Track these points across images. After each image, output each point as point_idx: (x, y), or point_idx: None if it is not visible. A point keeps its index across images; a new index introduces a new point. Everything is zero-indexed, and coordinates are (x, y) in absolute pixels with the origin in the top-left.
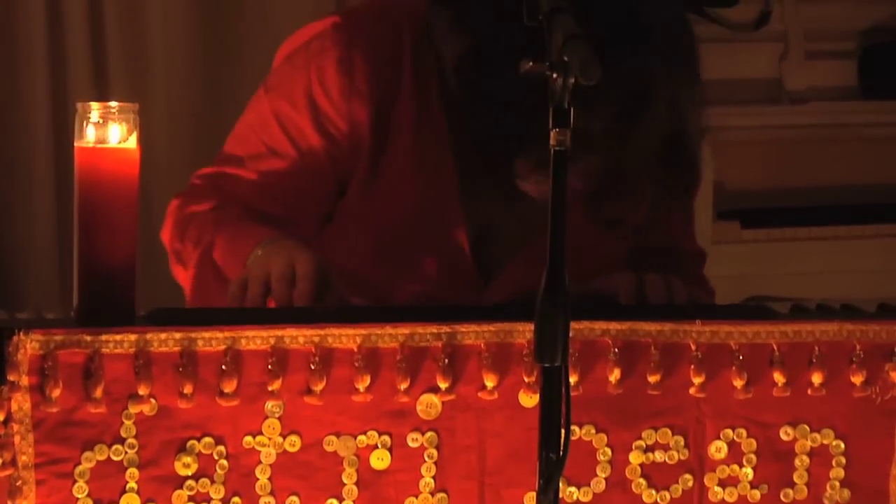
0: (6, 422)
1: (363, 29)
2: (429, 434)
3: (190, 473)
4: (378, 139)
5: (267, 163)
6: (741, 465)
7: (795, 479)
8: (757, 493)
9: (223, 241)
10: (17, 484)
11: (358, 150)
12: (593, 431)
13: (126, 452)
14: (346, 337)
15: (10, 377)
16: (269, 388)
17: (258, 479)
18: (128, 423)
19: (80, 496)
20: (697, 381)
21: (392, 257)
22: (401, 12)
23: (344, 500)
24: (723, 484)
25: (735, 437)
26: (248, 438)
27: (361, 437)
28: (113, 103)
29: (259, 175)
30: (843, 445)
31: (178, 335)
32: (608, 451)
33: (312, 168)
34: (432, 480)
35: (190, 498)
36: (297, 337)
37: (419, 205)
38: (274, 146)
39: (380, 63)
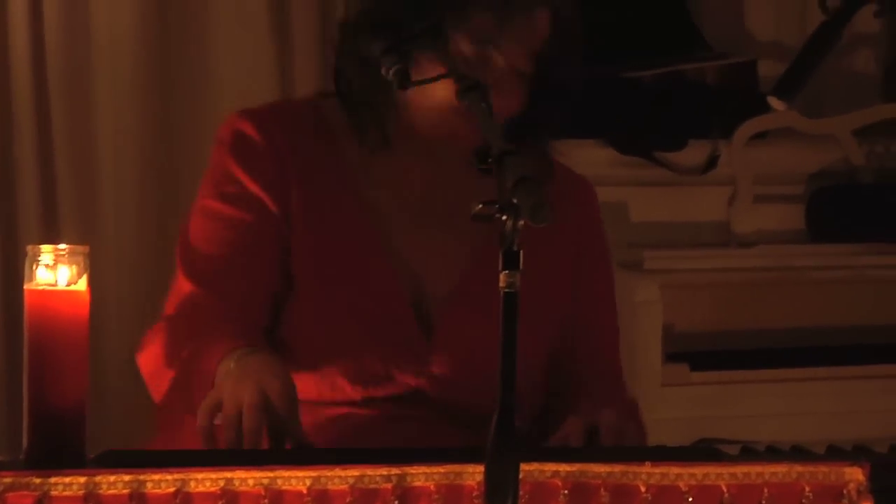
0: None
1: (266, 109)
2: None
3: None
4: (305, 195)
5: (232, 239)
6: None
7: None
8: None
9: (203, 350)
10: None
11: (293, 202)
12: None
13: None
14: (295, 479)
15: None
16: None
17: None
18: None
19: None
20: None
21: (336, 335)
22: (300, 105)
23: None
24: None
25: None
26: None
27: None
28: (63, 246)
29: (231, 252)
30: None
31: (127, 477)
32: None
33: (274, 227)
34: None
35: None
36: (247, 479)
37: (350, 261)
38: (231, 223)
39: (290, 129)
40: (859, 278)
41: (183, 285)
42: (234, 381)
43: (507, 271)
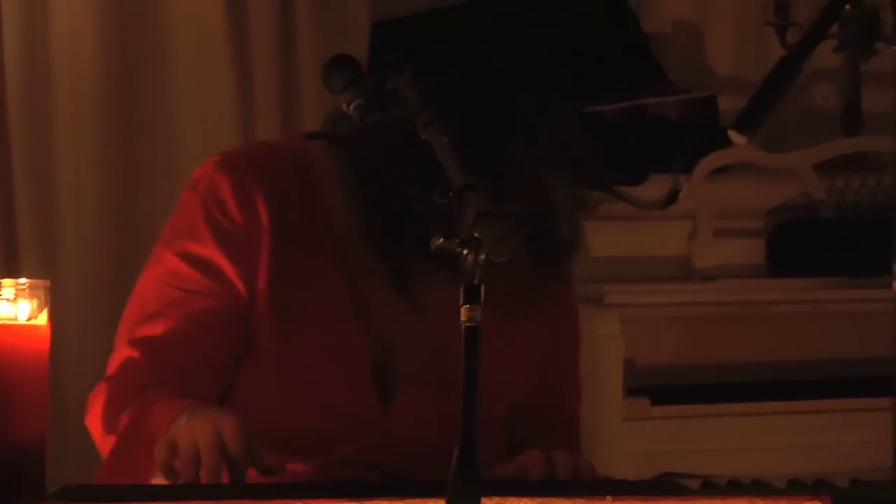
0: None
1: (248, 160)
2: None
3: None
4: (277, 266)
5: (188, 306)
6: None
7: None
8: None
9: (149, 410)
10: None
11: (261, 274)
12: None
13: None
14: None
15: None
16: None
17: None
18: None
19: None
20: None
21: (299, 390)
22: (284, 152)
23: None
24: None
25: None
26: None
27: None
28: (23, 280)
29: (184, 319)
30: None
31: None
32: None
33: (234, 298)
34: None
35: None
36: None
37: (317, 327)
38: (189, 287)
39: (270, 187)
40: (820, 313)
41: (124, 349)
42: (187, 424)
43: (467, 305)
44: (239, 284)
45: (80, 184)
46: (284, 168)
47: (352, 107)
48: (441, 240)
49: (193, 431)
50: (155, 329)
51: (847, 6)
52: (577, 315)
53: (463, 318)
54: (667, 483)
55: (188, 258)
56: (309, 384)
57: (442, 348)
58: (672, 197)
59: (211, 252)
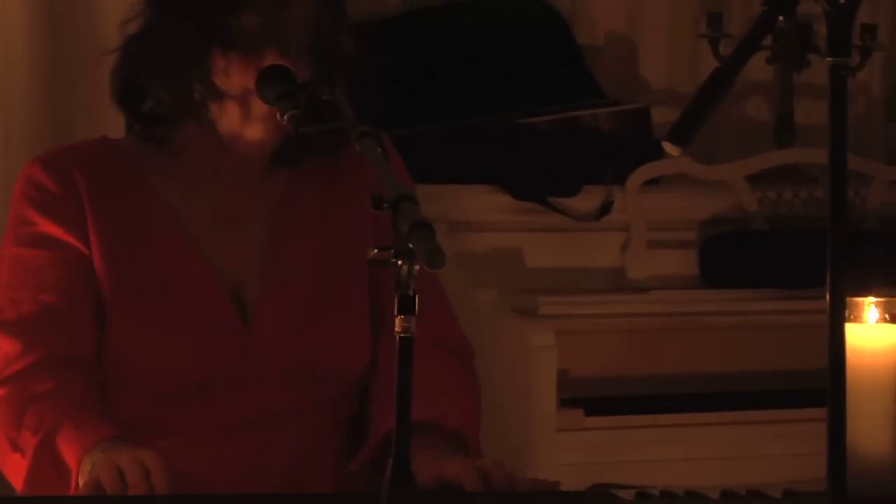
0: None
1: (59, 150)
2: None
3: None
4: (101, 220)
5: (39, 281)
6: None
7: None
8: None
9: (65, 430)
10: None
11: (90, 231)
12: None
13: None
14: None
15: None
16: None
17: None
18: None
19: None
20: None
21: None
22: (98, 142)
23: None
24: None
25: None
26: None
27: None
28: None
29: (41, 294)
30: None
31: None
32: None
33: (79, 261)
34: None
35: None
36: None
37: (159, 271)
38: (35, 265)
39: (83, 160)
40: (753, 324)
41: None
42: (105, 457)
43: (402, 316)
44: (78, 244)
45: (7, 195)
46: (94, 149)
47: (286, 117)
48: (375, 251)
49: (113, 459)
50: (18, 311)
51: (780, 18)
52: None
53: (397, 328)
54: (601, 494)
55: (23, 241)
56: (170, 325)
57: (277, 263)
58: (605, 208)
59: (42, 226)
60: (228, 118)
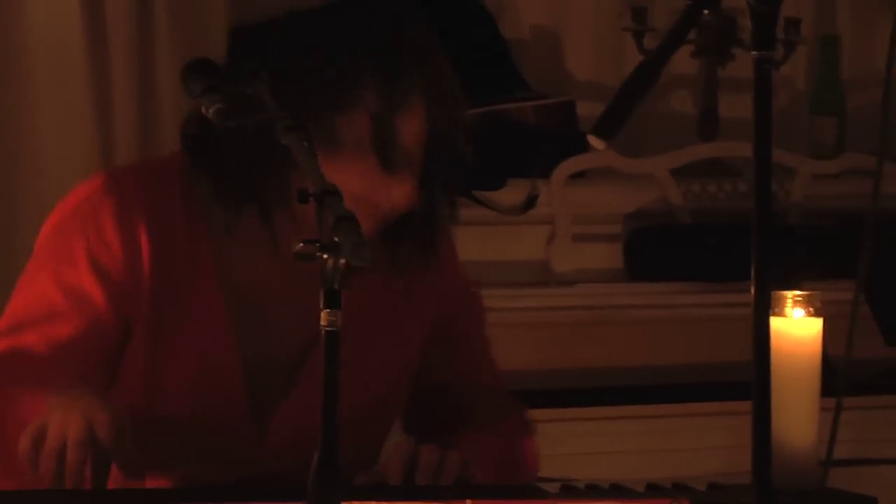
0: None
1: (133, 184)
2: None
3: None
4: (156, 296)
5: (51, 328)
6: None
7: None
8: None
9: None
10: None
11: (138, 307)
12: None
13: None
14: None
15: None
16: None
17: None
18: None
19: None
20: None
21: (168, 419)
22: (170, 174)
23: None
24: None
25: None
26: None
27: None
28: None
29: (45, 338)
30: None
31: None
32: None
33: (101, 331)
34: None
35: None
36: None
37: (189, 354)
38: (57, 311)
39: (155, 215)
40: (677, 317)
41: None
42: (62, 413)
43: (328, 310)
44: (109, 315)
45: None
46: (170, 191)
47: (211, 111)
48: (301, 244)
49: (65, 423)
50: (12, 342)
51: (704, 12)
52: (471, 290)
53: (323, 322)
54: (526, 487)
55: (61, 284)
56: (182, 407)
57: (313, 355)
58: (530, 202)
59: (84, 279)
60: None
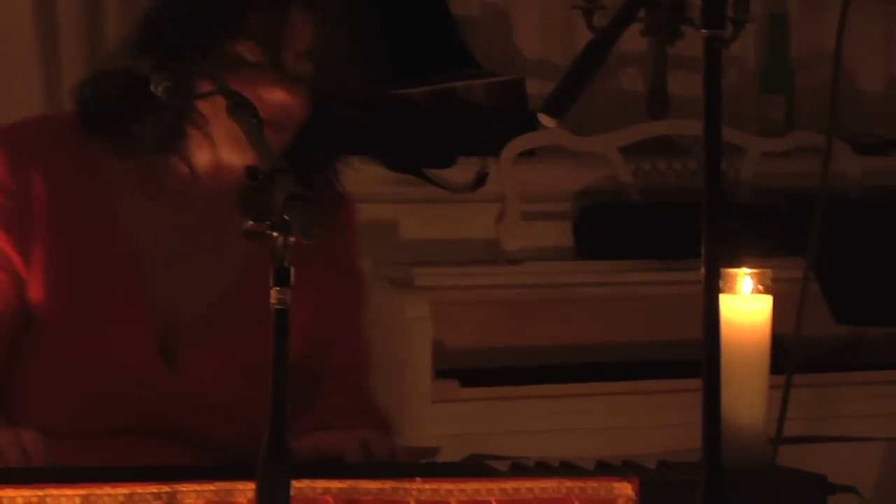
0: None
1: (24, 134)
2: None
3: None
4: (52, 235)
5: None
6: None
7: None
8: None
9: None
10: None
11: (34, 240)
12: None
13: None
14: (65, 497)
15: None
16: None
17: None
18: None
19: None
20: None
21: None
22: (64, 124)
23: None
24: None
25: None
26: None
27: None
28: None
29: None
30: None
31: None
32: None
33: (7, 271)
34: None
35: None
36: (16, 498)
37: (94, 293)
38: None
39: (49, 162)
40: (627, 295)
41: None
42: None
43: (278, 287)
44: (12, 254)
45: None
46: (64, 135)
47: (160, 88)
48: (250, 223)
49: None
50: None
51: None
52: (361, 280)
53: (273, 300)
54: (476, 465)
55: None
56: (90, 351)
57: (222, 307)
58: (480, 180)
59: None
60: (208, 147)
